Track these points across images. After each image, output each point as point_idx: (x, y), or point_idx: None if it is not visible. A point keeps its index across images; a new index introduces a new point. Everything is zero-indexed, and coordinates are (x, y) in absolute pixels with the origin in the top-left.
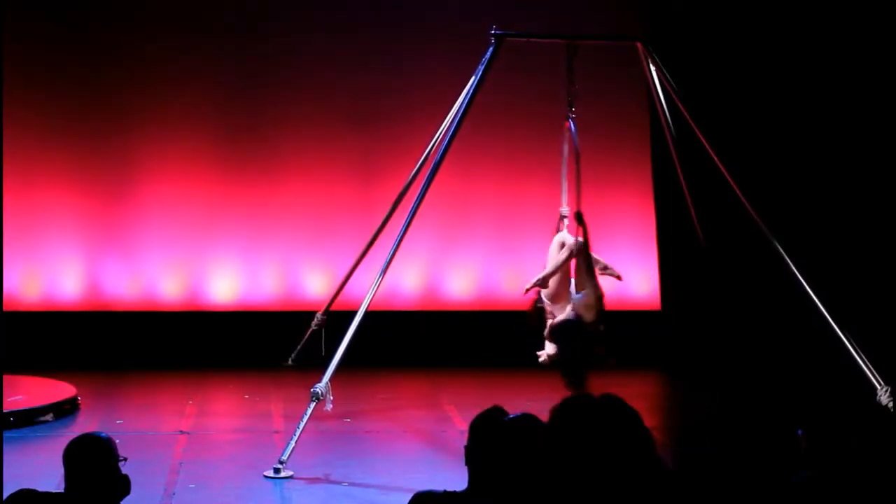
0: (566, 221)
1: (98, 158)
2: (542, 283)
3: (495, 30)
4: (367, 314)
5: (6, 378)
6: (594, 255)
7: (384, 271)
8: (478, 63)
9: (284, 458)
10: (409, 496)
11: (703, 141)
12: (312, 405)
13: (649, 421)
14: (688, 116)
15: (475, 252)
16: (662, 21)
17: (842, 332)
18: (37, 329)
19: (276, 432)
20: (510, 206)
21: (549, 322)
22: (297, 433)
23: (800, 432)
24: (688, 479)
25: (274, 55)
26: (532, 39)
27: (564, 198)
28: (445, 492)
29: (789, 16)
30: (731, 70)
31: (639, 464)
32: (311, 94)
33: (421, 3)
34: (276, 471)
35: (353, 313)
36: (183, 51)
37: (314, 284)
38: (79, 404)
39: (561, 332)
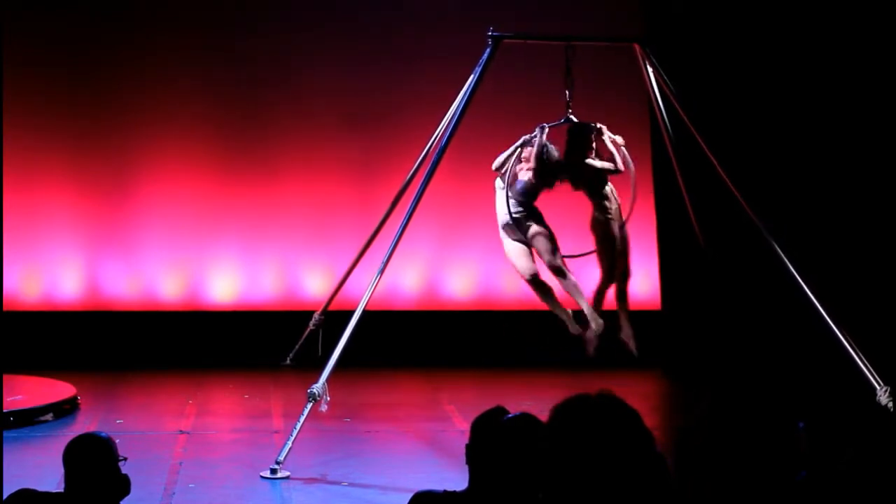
0: None
1: (98, 158)
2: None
3: (492, 31)
4: (367, 314)
5: (6, 378)
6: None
7: (382, 271)
8: (476, 63)
9: (281, 458)
10: (408, 496)
11: (701, 142)
12: (309, 405)
13: (649, 421)
14: (685, 117)
15: (474, 252)
16: (661, 22)
17: (841, 332)
18: (37, 329)
19: (276, 432)
20: None
21: None
22: (294, 434)
23: (801, 425)
24: (688, 480)
25: (273, 55)
26: (529, 41)
27: None
28: (445, 491)
29: (788, 16)
30: (729, 71)
31: (639, 464)
32: (310, 94)
33: (420, 3)
34: (273, 471)
35: (351, 313)
36: (182, 50)
37: (313, 284)
38: (79, 404)
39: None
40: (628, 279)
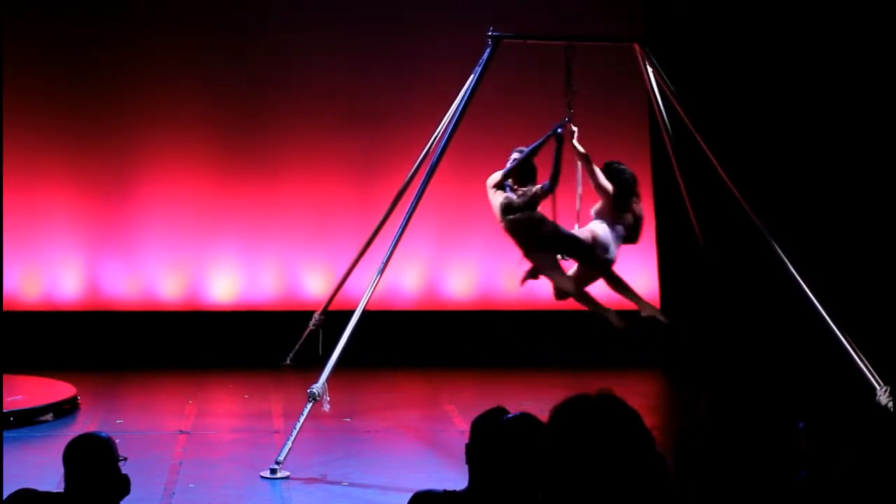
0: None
1: (97, 158)
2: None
3: (492, 31)
4: (367, 314)
5: (6, 378)
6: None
7: (381, 271)
8: (476, 63)
9: (281, 458)
10: (408, 496)
11: (701, 142)
12: (309, 406)
13: (649, 421)
14: (685, 117)
15: (474, 252)
16: (661, 22)
17: (841, 332)
18: (37, 329)
19: (276, 432)
20: None
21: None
22: (294, 434)
23: (801, 425)
24: (688, 480)
25: (273, 54)
26: (529, 41)
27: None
28: (445, 491)
29: (788, 16)
30: (729, 71)
31: (639, 464)
32: (310, 94)
33: (420, 3)
34: (273, 471)
35: (351, 313)
36: (182, 50)
37: (313, 284)
38: (79, 404)
39: None
40: (608, 267)
